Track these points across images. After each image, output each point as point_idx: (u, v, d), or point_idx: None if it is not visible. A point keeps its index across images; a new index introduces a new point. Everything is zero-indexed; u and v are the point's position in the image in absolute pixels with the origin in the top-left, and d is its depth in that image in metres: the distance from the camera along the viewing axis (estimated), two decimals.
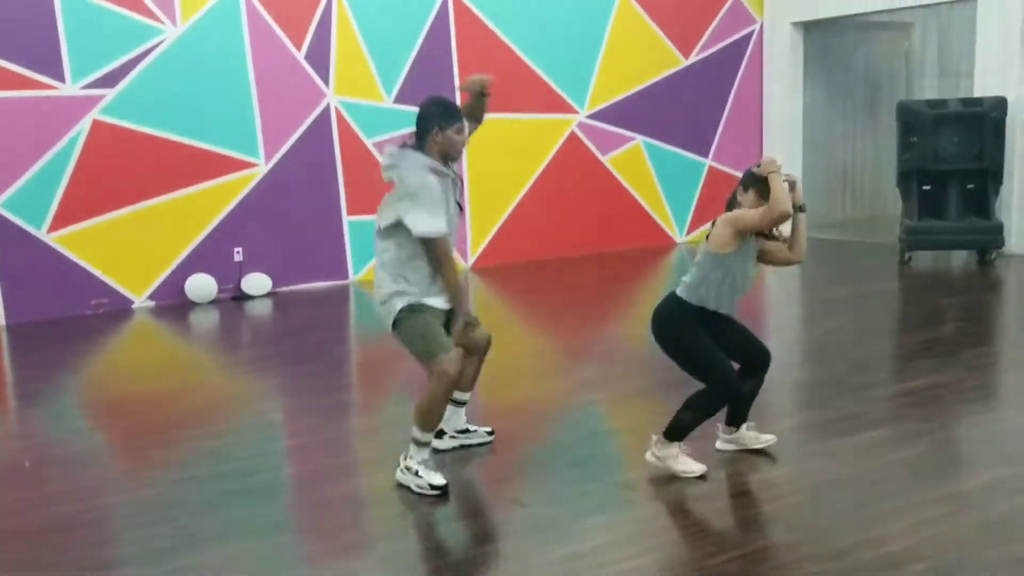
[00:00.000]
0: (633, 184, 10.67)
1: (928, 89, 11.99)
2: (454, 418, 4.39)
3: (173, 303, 8.42)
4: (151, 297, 8.41)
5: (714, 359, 3.94)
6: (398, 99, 9.14)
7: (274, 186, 8.75)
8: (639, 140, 10.63)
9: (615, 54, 10.31)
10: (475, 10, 9.55)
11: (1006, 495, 3.73)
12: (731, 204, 4.04)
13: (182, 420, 5.20)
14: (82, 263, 8.08)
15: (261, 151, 8.71)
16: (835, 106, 11.76)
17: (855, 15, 10.80)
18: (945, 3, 10.07)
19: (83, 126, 7.95)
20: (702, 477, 3.98)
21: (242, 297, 8.63)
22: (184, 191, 8.41)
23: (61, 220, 7.96)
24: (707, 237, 4.01)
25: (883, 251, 9.73)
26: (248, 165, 8.66)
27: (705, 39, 10.87)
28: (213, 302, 8.47)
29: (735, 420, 4.24)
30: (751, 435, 4.29)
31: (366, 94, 9.09)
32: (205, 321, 7.99)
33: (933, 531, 3.43)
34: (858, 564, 3.21)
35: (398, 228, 3.94)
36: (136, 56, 8.10)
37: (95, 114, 7.99)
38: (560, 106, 10.11)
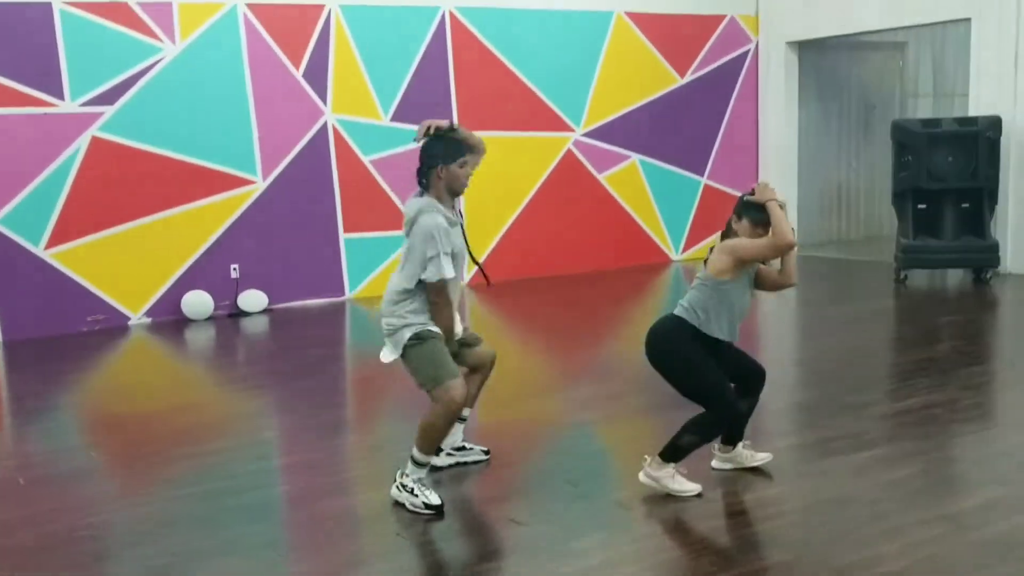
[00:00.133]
0: (629, 202, 10.69)
1: (922, 108, 12.05)
2: (453, 435, 4.39)
3: (170, 320, 8.42)
4: (148, 314, 8.41)
5: (713, 379, 3.94)
6: (395, 117, 9.18)
7: (271, 203, 8.77)
8: (635, 158, 10.66)
9: (611, 73, 10.35)
10: (472, 29, 9.60)
11: (1002, 515, 3.74)
12: (726, 235, 4.03)
13: (178, 437, 5.19)
14: (79, 279, 8.08)
15: (259, 168, 8.73)
16: (830, 125, 11.83)
17: (850, 35, 10.87)
18: (939, 23, 10.13)
19: (82, 143, 7.97)
20: (698, 496, 3.98)
21: (239, 314, 8.63)
22: (181, 208, 8.43)
23: (59, 236, 7.97)
24: (705, 262, 4.02)
25: (879, 270, 9.76)
26: (246, 182, 8.68)
27: (701, 58, 10.92)
28: (210, 319, 8.47)
29: (731, 439, 4.24)
30: (747, 453, 4.29)
31: (364, 112, 9.12)
32: (201, 338, 7.99)
33: (929, 551, 3.43)
34: None
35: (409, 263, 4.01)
36: (135, 74, 8.14)
37: (94, 131, 8.01)
38: (556, 124, 10.14)
